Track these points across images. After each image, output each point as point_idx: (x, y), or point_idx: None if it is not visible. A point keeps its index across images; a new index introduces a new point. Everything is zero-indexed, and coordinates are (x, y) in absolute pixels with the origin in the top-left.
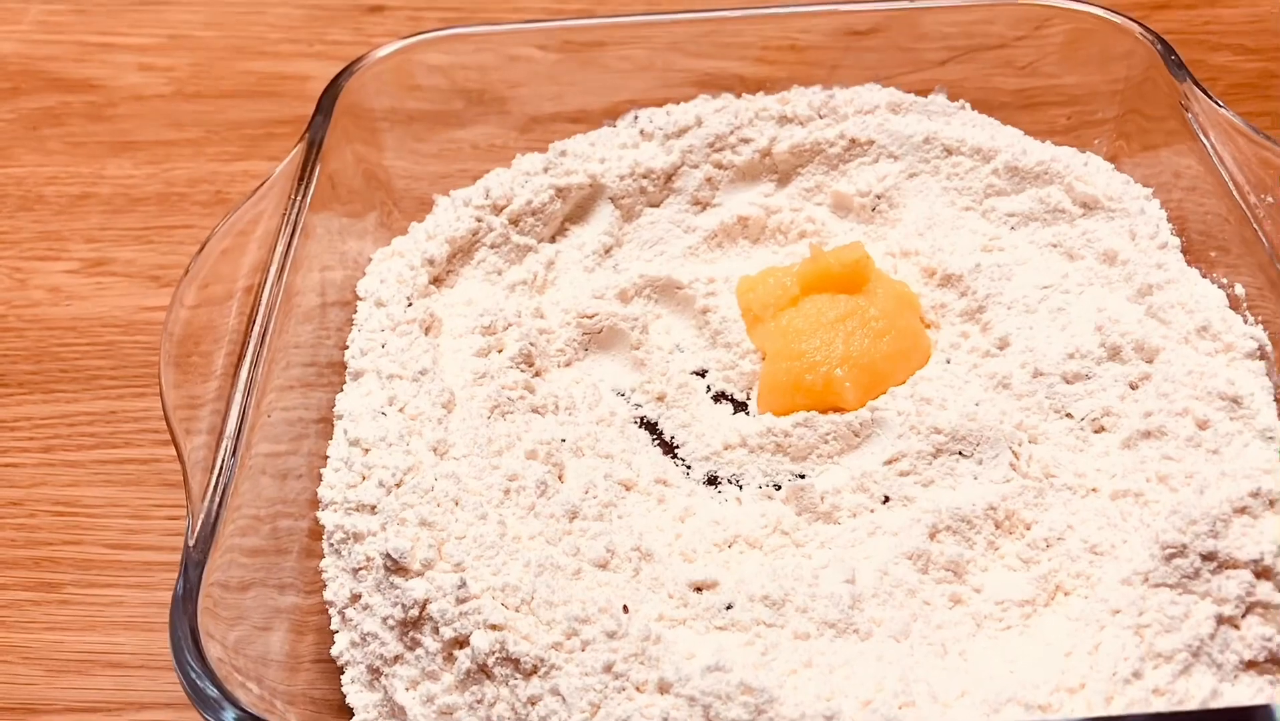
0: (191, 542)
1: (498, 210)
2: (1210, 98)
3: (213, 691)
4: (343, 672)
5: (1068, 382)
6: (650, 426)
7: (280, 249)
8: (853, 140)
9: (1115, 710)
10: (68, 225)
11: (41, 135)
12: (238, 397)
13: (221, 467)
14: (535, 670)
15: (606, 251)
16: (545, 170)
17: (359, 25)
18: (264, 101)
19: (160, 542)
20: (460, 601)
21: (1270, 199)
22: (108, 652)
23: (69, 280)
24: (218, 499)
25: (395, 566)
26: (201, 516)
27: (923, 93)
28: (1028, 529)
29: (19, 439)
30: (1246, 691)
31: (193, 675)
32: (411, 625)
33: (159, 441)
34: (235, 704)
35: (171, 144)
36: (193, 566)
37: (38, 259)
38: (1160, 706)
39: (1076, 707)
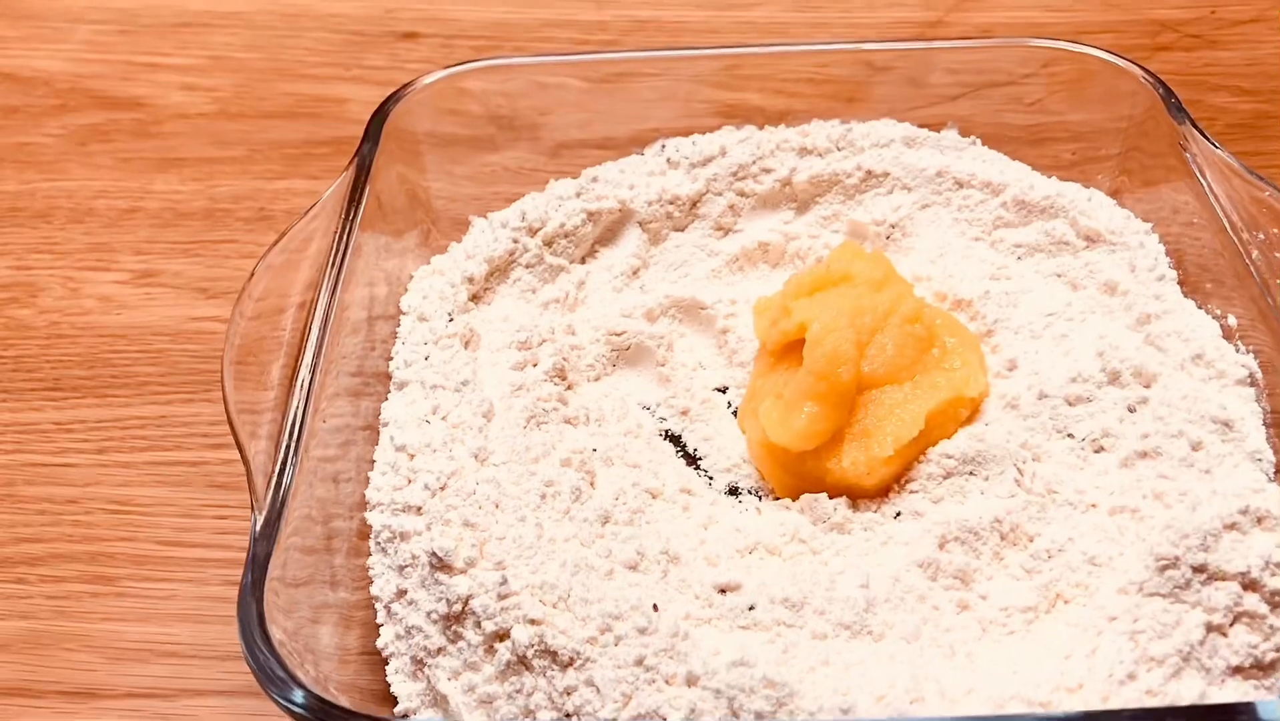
0: (257, 535)
1: (533, 232)
2: (1207, 138)
3: (281, 672)
4: (387, 663)
5: (1070, 405)
6: (675, 439)
7: (333, 266)
8: (869, 172)
9: (1110, 708)
10: (117, 238)
11: (90, 150)
12: (296, 405)
13: (283, 470)
14: (571, 662)
15: (634, 273)
16: (577, 195)
17: (394, 51)
18: (304, 122)
19: (210, 540)
20: (501, 597)
21: (1262, 236)
22: (163, 642)
23: (119, 290)
24: (280, 498)
25: (440, 564)
26: (265, 512)
27: (936, 127)
28: (1031, 541)
29: (75, 440)
30: (1233, 695)
31: (261, 656)
32: (454, 619)
33: (208, 445)
34: (301, 684)
35: (215, 161)
36: (260, 558)
37: (89, 269)
38: (1152, 705)
39: (1075, 705)
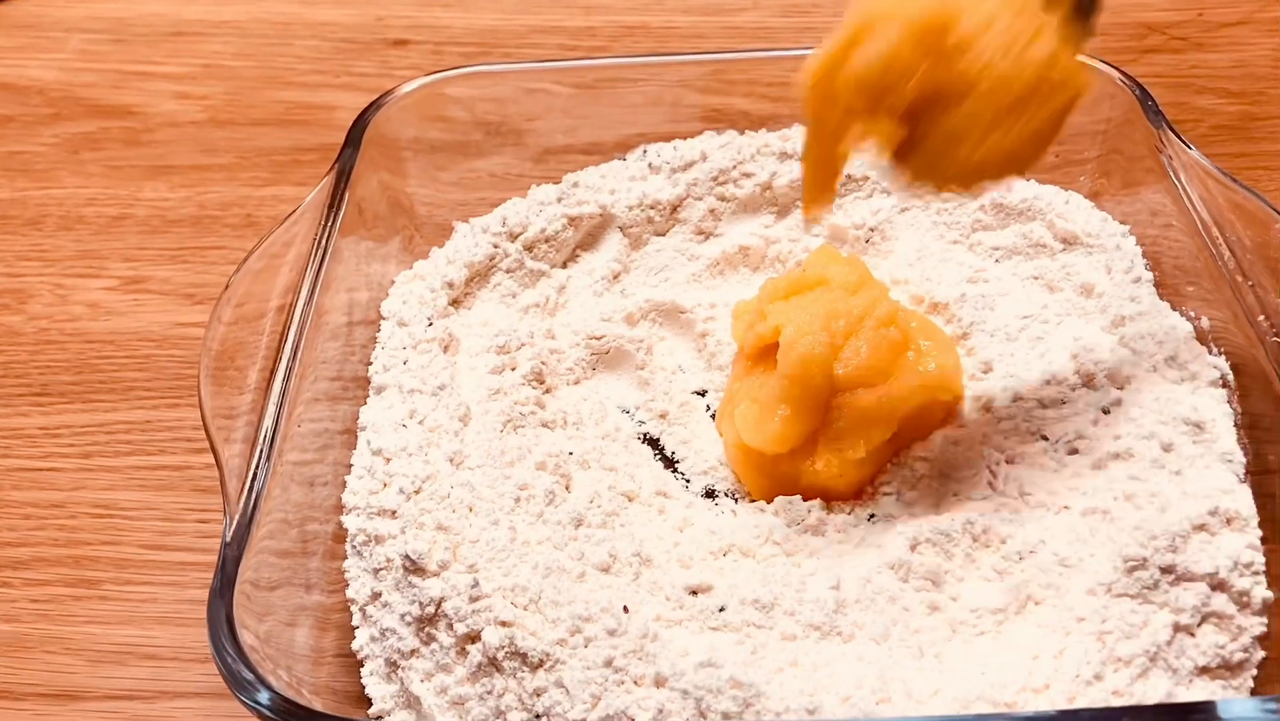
0: (228, 540)
1: (513, 237)
2: (1183, 142)
3: (248, 675)
4: (362, 665)
5: (1044, 407)
6: (653, 442)
7: (312, 271)
8: (848, 176)
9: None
10: (106, 244)
11: (81, 159)
12: (271, 409)
13: (256, 473)
14: (541, 664)
15: (615, 277)
16: (559, 200)
17: (384, 58)
18: (293, 129)
19: (192, 544)
20: (473, 600)
21: (1235, 239)
22: (143, 645)
23: (107, 296)
24: (252, 502)
25: (413, 567)
26: (237, 517)
27: None
28: (1003, 542)
29: (60, 445)
30: (1200, 695)
31: (229, 660)
32: (427, 621)
33: (191, 449)
34: (268, 686)
35: (205, 169)
36: (230, 562)
37: (78, 276)
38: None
39: (1040, 706)
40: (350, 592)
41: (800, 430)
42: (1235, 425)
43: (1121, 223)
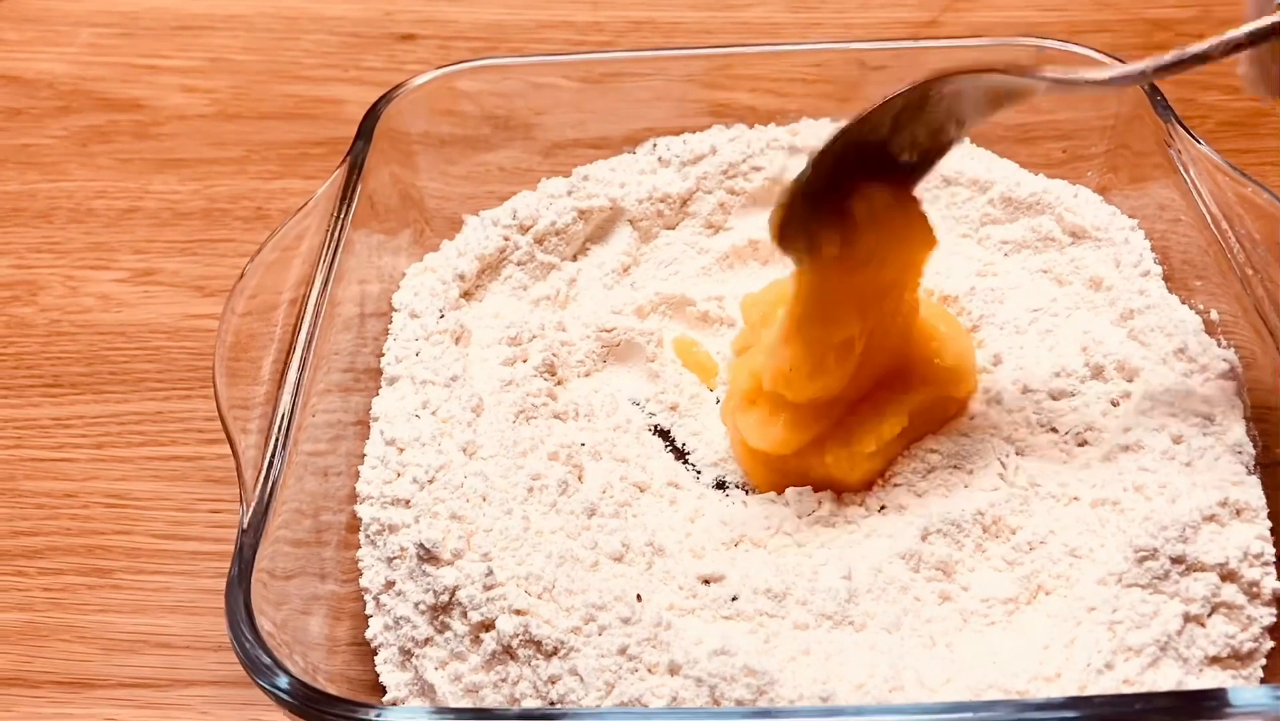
0: (245, 528)
1: (524, 230)
2: (1192, 136)
3: (267, 660)
4: (376, 654)
5: (1054, 399)
6: (663, 434)
7: (324, 264)
8: None
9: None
10: (116, 237)
11: (91, 152)
12: (285, 400)
13: (271, 463)
14: (555, 651)
15: (625, 270)
16: (569, 193)
17: (391, 52)
18: (301, 123)
19: (204, 534)
20: (487, 588)
21: (1245, 231)
22: (156, 634)
23: (118, 288)
24: (268, 491)
25: (427, 556)
26: (253, 505)
27: None
28: (1013, 533)
29: (73, 436)
30: (1210, 684)
31: (248, 646)
32: (441, 610)
33: (203, 440)
34: (287, 671)
35: (214, 162)
36: (247, 549)
37: (88, 268)
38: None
39: (1052, 694)
40: (364, 582)
41: (805, 435)
42: (1244, 417)
43: (1130, 216)
